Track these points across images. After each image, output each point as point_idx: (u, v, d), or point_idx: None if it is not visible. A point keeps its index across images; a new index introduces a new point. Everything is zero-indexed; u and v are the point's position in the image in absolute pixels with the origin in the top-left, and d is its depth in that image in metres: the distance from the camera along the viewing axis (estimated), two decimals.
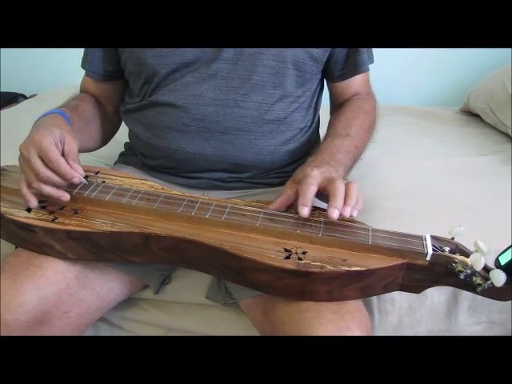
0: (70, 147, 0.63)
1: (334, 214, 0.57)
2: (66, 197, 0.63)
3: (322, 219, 0.62)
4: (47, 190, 0.62)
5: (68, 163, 0.62)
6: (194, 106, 0.73)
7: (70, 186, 0.67)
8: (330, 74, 0.82)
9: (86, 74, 0.85)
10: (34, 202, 0.63)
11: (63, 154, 0.63)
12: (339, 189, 0.58)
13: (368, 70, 0.84)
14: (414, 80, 1.70)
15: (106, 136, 0.88)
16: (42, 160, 0.61)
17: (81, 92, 0.87)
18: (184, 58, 0.73)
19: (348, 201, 0.57)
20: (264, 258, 0.56)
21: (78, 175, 0.62)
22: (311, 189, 0.59)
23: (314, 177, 0.61)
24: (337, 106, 0.86)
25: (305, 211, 0.58)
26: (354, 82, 0.83)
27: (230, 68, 0.72)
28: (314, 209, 0.66)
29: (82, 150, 0.80)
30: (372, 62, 0.84)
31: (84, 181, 0.65)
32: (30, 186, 0.62)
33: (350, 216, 0.58)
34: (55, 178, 0.61)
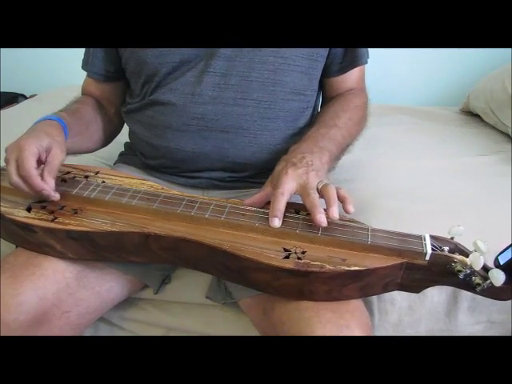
0: (52, 158, 0.63)
1: (322, 221, 0.57)
2: (54, 196, 0.64)
3: None
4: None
5: (42, 174, 0.62)
6: (193, 104, 0.73)
7: (69, 186, 0.68)
8: (329, 68, 0.81)
9: (88, 75, 0.86)
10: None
11: (44, 163, 0.63)
12: (314, 200, 0.58)
13: (367, 62, 0.83)
14: (414, 80, 1.70)
15: (108, 137, 0.88)
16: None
17: (83, 94, 0.88)
18: (184, 56, 0.73)
19: (330, 204, 0.57)
20: (263, 258, 0.56)
21: (47, 188, 0.62)
22: (281, 201, 0.59)
23: (285, 187, 0.59)
24: (328, 100, 0.85)
25: (275, 222, 0.58)
26: (351, 77, 0.83)
27: (229, 65, 0.72)
28: None
29: (82, 152, 0.82)
30: (368, 56, 0.83)
31: (54, 195, 0.63)
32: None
33: (347, 212, 0.58)
34: (23, 187, 0.62)
